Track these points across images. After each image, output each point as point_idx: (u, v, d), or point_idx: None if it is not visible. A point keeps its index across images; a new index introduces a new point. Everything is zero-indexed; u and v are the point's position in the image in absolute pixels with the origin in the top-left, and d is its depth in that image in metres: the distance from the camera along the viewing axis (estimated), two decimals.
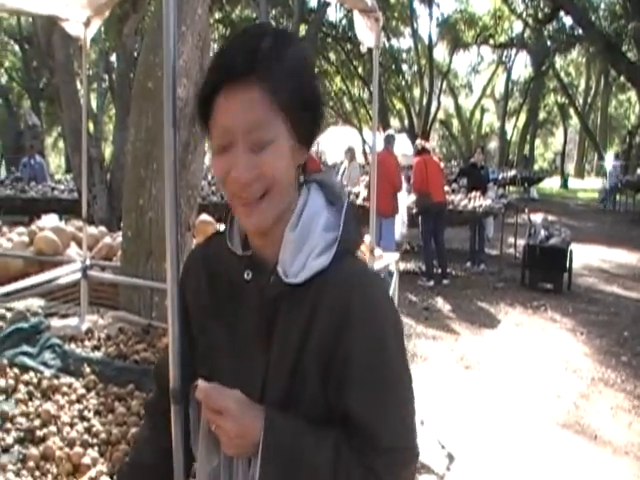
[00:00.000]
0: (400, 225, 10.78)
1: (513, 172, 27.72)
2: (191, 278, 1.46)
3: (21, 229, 6.71)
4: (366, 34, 4.15)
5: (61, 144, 39.06)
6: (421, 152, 11.20)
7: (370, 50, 4.32)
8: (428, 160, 10.99)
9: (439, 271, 11.10)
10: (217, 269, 1.40)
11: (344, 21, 32.00)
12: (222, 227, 1.43)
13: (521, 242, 12.18)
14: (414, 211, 11.39)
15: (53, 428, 2.65)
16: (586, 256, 13.80)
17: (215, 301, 1.40)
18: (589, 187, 39.17)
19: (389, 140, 10.65)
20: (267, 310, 1.30)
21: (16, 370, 3.12)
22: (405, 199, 11.18)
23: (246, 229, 1.33)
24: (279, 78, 1.20)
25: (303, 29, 28.56)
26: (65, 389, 3.00)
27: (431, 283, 10.79)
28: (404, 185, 12.92)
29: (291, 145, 1.24)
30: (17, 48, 33.14)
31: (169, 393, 1.40)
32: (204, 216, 6.35)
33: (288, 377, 1.28)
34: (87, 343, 3.67)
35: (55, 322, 3.96)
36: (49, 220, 6.75)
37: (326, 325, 1.24)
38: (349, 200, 1.36)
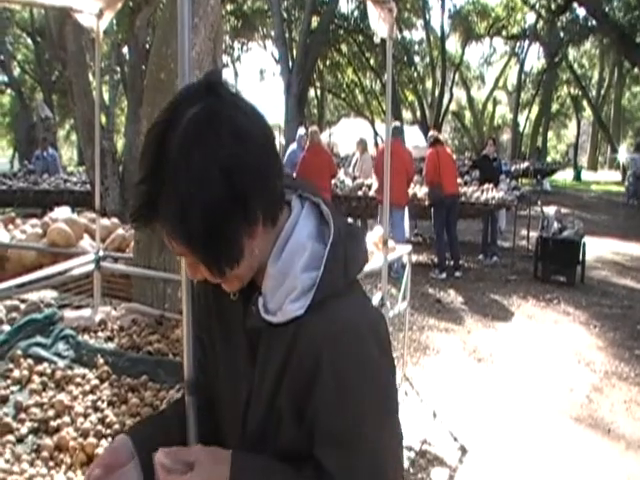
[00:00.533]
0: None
1: (526, 164, 27.62)
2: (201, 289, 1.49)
3: (34, 221, 6.74)
4: (380, 24, 4.13)
5: (74, 137, 39.24)
6: (434, 143, 11.12)
7: (383, 41, 4.31)
8: (441, 151, 10.90)
9: (451, 263, 11.06)
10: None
11: (356, 12, 31.94)
12: None
13: (534, 234, 12.13)
14: (426, 203, 11.34)
15: (67, 419, 2.66)
16: (599, 249, 13.73)
17: (218, 304, 1.41)
18: (602, 179, 39.02)
19: (397, 131, 10.58)
20: (250, 338, 1.30)
21: (30, 361, 3.14)
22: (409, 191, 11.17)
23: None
24: (177, 228, 1.15)
25: (315, 20, 28.51)
26: (79, 380, 3.01)
27: (443, 275, 10.75)
28: (415, 177, 12.92)
29: (214, 272, 1.21)
30: (29, 41, 33.26)
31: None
32: None
33: (265, 408, 1.28)
34: (100, 334, 3.68)
35: (68, 313, 3.97)
36: (62, 212, 6.76)
37: (298, 373, 1.21)
38: (336, 232, 1.25)
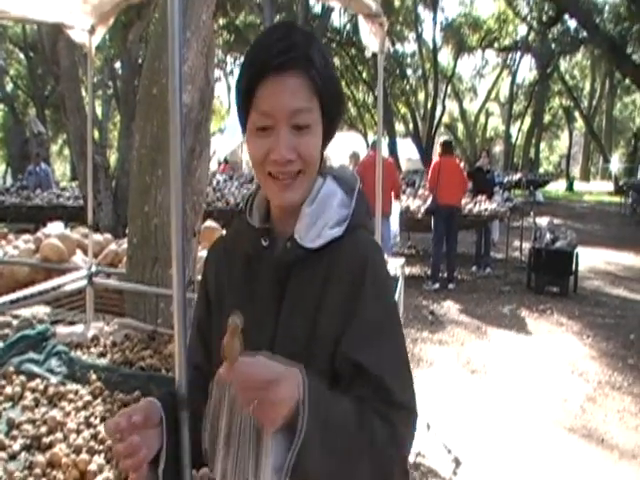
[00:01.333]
0: (394, 228, 10.81)
1: (518, 175, 27.73)
2: (211, 263, 1.63)
3: (27, 236, 6.73)
4: (371, 39, 4.15)
5: (66, 151, 39.17)
6: (443, 152, 11.13)
7: (374, 55, 4.32)
8: (444, 163, 10.89)
9: (445, 275, 11.08)
10: (236, 247, 1.54)
11: (348, 26, 32.11)
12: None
13: (527, 245, 12.17)
14: (422, 210, 11.39)
15: (59, 435, 2.65)
16: (592, 259, 13.78)
17: (232, 276, 1.52)
18: (595, 190, 39.15)
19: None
20: (280, 275, 1.42)
21: (22, 377, 3.12)
22: (397, 205, 11.18)
23: (278, 204, 1.46)
24: (317, 69, 1.35)
25: None
26: (71, 396, 3.00)
27: (436, 286, 10.77)
28: (407, 190, 12.95)
29: (322, 131, 1.40)
30: (22, 56, 33.27)
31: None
32: (209, 222, 6.37)
33: (299, 338, 1.37)
34: (93, 350, 3.67)
35: (61, 329, 3.96)
36: (55, 227, 6.76)
37: (343, 285, 1.37)
38: (360, 186, 1.50)
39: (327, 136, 1.43)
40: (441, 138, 12.41)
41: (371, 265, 1.38)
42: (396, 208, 10.78)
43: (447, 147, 11.21)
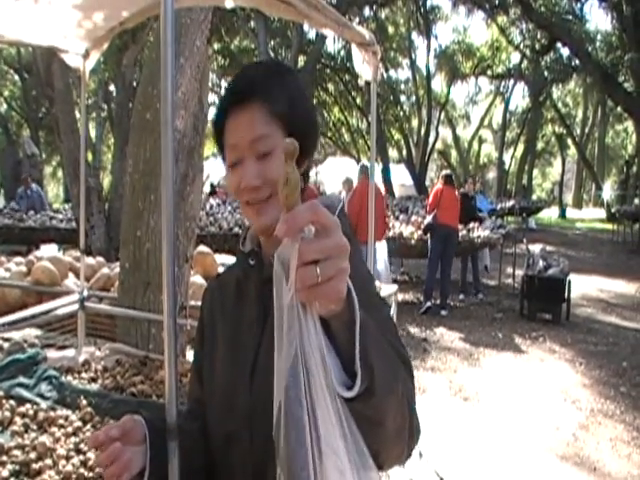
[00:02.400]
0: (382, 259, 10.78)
1: (511, 202, 27.75)
2: (206, 302, 1.65)
3: (19, 259, 6.72)
4: (364, 67, 4.17)
5: (60, 173, 39.23)
6: (446, 182, 11.25)
7: (368, 83, 4.34)
8: (447, 189, 11.08)
9: (438, 301, 11.07)
10: (230, 278, 1.57)
11: (342, 52, 32.30)
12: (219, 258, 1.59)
13: (519, 272, 12.17)
14: (421, 228, 11.44)
15: (49, 461, 2.63)
16: (584, 286, 13.80)
17: (225, 306, 1.55)
18: (587, 217, 39.30)
19: (365, 169, 10.80)
20: (263, 292, 1.41)
21: (12, 402, 3.10)
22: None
23: (257, 228, 1.48)
24: (276, 95, 1.39)
25: (302, 60, 28.79)
26: (61, 421, 2.98)
27: (428, 304, 10.77)
28: (400, 216, 12.98)
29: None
30: (17, 77, 33.36)
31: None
32: (202, 247, 6.36)
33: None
34: (84, 375, 3.65)
35: (52, 353, 3.95)
36: (48, 250, 6.76)
37: None
38: (341, 206, 1.48)
39: (303, 156, 1.38)
40: (434, 164, 12.52)
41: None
42: (382, 245, 10.66)
43: (449, 179, 11.39)
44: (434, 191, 11.37)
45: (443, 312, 10.89)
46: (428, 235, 11.30)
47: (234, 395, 1.43)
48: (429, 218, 11.33)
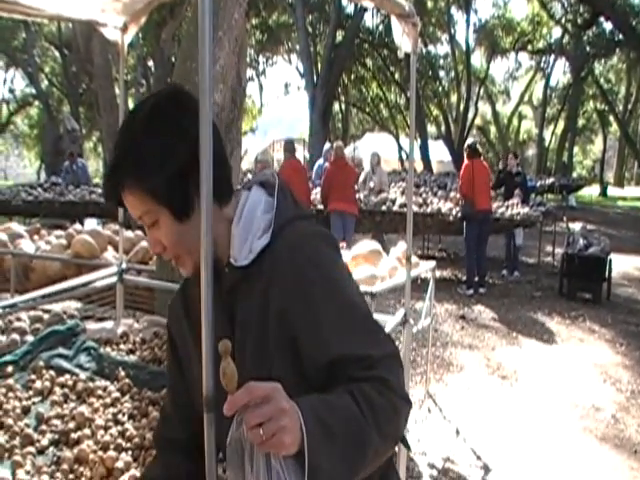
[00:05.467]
0: None
1: (551, 180, 27.39)
2: (172, 319, 1.71)
3: (59, 232, 6.79)
4: (403, 39, 4.11)
5: (100, 149, 39.53)
6: (471, 155, 10.99)
7: (407, 56, 4.28)
8: (476, 165, 10.79)
9: (476, 279, 10.97)
10: (190, 295, 1.59)
11: (381, 27, 32.01)
12: None
13: (559, 251, 12.03)
14: (459, 216, 11.27)
15: (87, 431, 2.65)
16: (625, 266, 13.60)
17: (190, 322, 1.58)
18: (629, 195, 38.69)
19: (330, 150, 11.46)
20: (227, 302, 1.46)
21: (52, 372, 3.14)
22: None
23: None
24: (137, 181, 1.42)
25: (340, 35, 28.60)
26: (100, 392, 3.01)
27: (470, 292, 10.66)
28: (439, 192, 12.87)
29: (174, 221, 1.45)
30: (57, 54, 33.66)
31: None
32: None
33: (256, 351, 1.42)
34: (122, 347, 3.68)
35: (91, 325, 3.98)
36: (88, 224, 6.83)
37: (284, 290, 1.39)
38: (280, 180, 1.55)
39: (190, 213, 1.45)
40: (474, 140, 12.22)
41: (307, 259, 1.41)
42: None
43: (475, 150, 11.10)
44: (463, 169, 11.11)
45: (481, 290, 10.80)
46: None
47: (218, 404, 1.35)
48: (461, 205, 11.18)
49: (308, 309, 1.37)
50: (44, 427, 2.69)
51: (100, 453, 2.48)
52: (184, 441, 1.69)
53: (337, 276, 1.44)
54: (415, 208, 11.32)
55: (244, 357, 1.41)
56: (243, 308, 1.45)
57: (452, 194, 13.27)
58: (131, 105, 29.82)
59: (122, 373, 3.19)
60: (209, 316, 1.42)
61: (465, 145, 11.71)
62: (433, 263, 6.45)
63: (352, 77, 36.49)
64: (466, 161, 11.04)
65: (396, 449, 1.47)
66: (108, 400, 2.95)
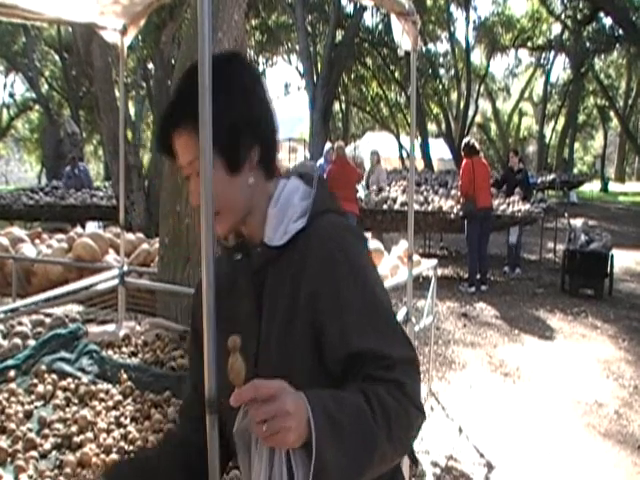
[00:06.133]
0: None
1: (552, 176, 27.34)
2: (198, 300, 1.59)
3: (60, 236, 6.79)
4: (403, 37, 4.11)
5: (100, 152, 39.60)
6: (470, 153, 10.97)
7: (407, 54, 4.28)
8: (476, 162, 10.76)
9: (478, 277, 10.96)
10: (218, 276, 1.51)
11: (380, 26, 31.99)
12: None
13: (561, 247, 12.03)
14: (460, 214, 11.25)
15: (90, 434, 2.66)
16: (627, 261, 13.59)
17: (218, 306, 1.49)
18: (630, 190, 38.66)
19: (341, 150, 11.45)
20: (256, 281, 1.47)
21: (54, 376, 3.14)
22: None
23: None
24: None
25: (340, 34, 28.60)
26: (102, 395, 3.01)
27: (472, 289, 10.65)
28: (440, 190, 12.88)
29: (224, 174, 1.45)
30: (57, 57, 33.68)
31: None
32: None
33: (281, 334, 1.41)
34: (124, 349, 3.68)
35: (93, 328, 3.99)
36: (89, 227, 6.84)
37: (314, 274, 1.39)
38: (319, 174, 1.57)
39: (241, 170, 1.47)
40: (472, 139, 12.15)
41: (338, 250, 1.42)
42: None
43: (473, 148, 11.04)
44: (463, 168, 11.06)
45: (483, 287, 10.79)
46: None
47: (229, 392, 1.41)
48: (462, 203, 11.17)
49: (335, 294, 1.38)
50: (46, 431, 2.69)
51: (103, 456, 2.49)
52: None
53: (365, 269, 1.45)
54: (416, 206, 11.33)
55: (270, 339, 1.42)
56: (272, 289, 1.45)
57: (453, 192, 13.27)
58: (131, 108, 29.85)
59: (124, 376, 3.20)
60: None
61: (462, 144, 11.64)
62: (435, 261, 6.45)
63: (352, 76, 36.44)
64: (465, 160, 11.02)
65: None
66: (110, 403, 2.95)
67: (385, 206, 12.17)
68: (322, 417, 1.19)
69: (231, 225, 1.50)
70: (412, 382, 1.36)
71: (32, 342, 3.57)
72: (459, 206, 11.49)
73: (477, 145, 11.29)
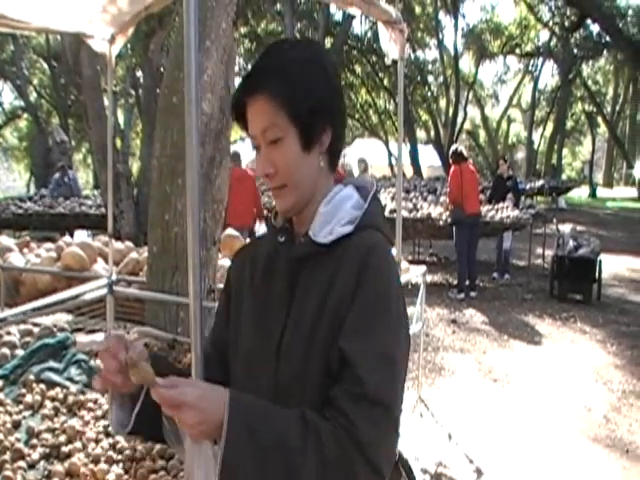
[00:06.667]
0: None
1: (541, 182, 27.47)
2: (237, 265, 1.69)
3: (49, 245, 6.77)
4: (391, 46, 4.14)
5: (89, 160, 39.49)
6: (457, 160, 10.99)
7: (395, 62, 4.31)
8: (464, 169, 10.77)
9: (467, 283, 10.98)
10: (259, 251, 1.63)
11: (369, 33, 32.07)
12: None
13: (549, 253, 12.07)
14: (448, 222, 11.28)
15: (78, 444, 2.65)
16: (615, 266, 13.65)
17: (253, 277, 1.59)
18: (618, 196, 38.83)
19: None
20: (292, 270, 1.49)
21: (42, 386, 3.14)
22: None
23: (278, 210, 1.55)
24: (281, 85, 1.43)
25: (329, 42, 28.65)
26: (91, 405, 3.01)
27: (461, 296, 10.67)
28: (429, 197, 12.85)
29: (298, 148, 1.46)
30: (46, 66, 33.58)
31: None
32: (230, 230, 6.37)
33: (307, 329, 1.41)
34: None
35: (81, 337, 3.98)
36: (81, 236, 6.83)
37: (346, 280, 1.40)
38: (375, 190, 1.59)
39: (316, 147, 1.49)
40: (460, 145, 12.15)
41: (374, 264, 1.42)
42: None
43: (461, 155, 11.04)
44: (452, 174, 11.04)
45: (472, 294, 10.82)
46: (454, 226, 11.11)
47: (258, 373, 1.46)
48: (450, 210, 11.19)
49: (355, 310, 1.37)
50: (35, 441, 2.69)
51: (91, 466, 2.48)
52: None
53: (392, 303, 1.41)
54: (405, 213, 11.35)
55: (298, 329, 1.43)
56: (308, 283, 1.46)
57: (442, 199, 13.31)
58: (120, 116, 29.75)
59: None
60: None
61: (450, 151, 11.65)
62: (424, 268, 6.46)
63: (341, 83, 36.44)
64: (453, 166, 11.03)
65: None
66: (99, 413, 2.95)
67: None
68: (239, 423, 1.22)
69: (293, 203, 1.49)
70: (371, 430, 1.26)
71: (20, 352, 3.57)
72: (448, 213, 11.52)
73: (465, 151, 11.32)
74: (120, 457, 2.59)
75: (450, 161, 11.33)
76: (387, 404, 1.30)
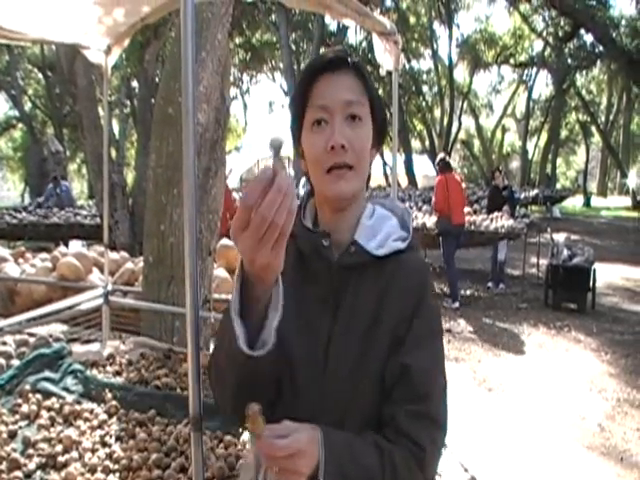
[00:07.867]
0: None
1: (535, 191, 27.53)
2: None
3: (44, 255, 6.78)
4: (385, 57, 4.16)
5: (84, 170, 39.49)
6: (443, 169, 11.01)
7: (390, 73, 4.32)
8: (450, 179, 10.80)
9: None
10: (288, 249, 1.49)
11: (364, 44, 32.17)
12: None
13: (544, 262, 12.09)
14: (435, 232, 11.30)
15: (75, 454, 2.66)
16: (610, 275, 13.68)
17: (284, 276, 1.42)
18: (612, 205, 38.92)
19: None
20: (335, 279, 1.46)
21: (39, 396, 3.14)
22: None
23: (334, 195, 1.46)
24: (365, 75, 1.48)
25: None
26: (87, 415, 3.01)
27: (456, 305, 10.68)
28: (424, 207, 12.86)
29: (370, 134, 1.48)
30: (40, 76, 33.61)
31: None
32: (226, 240, 6.38)
33: (360, 334, 1.41)
34: (109, 368, 3.68)
35: (77, 348, 3.98)
36: (75, 246, 6.84)
37: (405, 297, 1.44)
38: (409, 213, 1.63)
39: (375, 141, 1.51)
40: (457, 154, 12.24)
41: (429, 283, 1.50)
42: None
43: (447, 165, 11.08)
44: (437, 185, 11.04)
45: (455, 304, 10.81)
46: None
47: (305, 381, 1.41)
48: (435, 218, 11.21)
49: (415, 331, 1.41)
50: (31, 451, 2.69)
51: (88, 476, 2.49)
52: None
53: (439, 325, 1.51)
54: None
55: (343, 348, 1.42)
56: (358, 291, 1.46)
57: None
58: (115, 126, 29.76)
59: (109, 395, 3.20)
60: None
61: (437, 159, 11.68)
62: None
63: None
64: (439, 176, 11.07)
65: None
66: (95, 422, 2.95)
67: None
68: (332, 462, 1.22)
69: (355, 190, 1.47)
70: (433, 450, 1.34)
71: (16, 362, 3.57)
72: (434, 223, 11.56)
73: (451, 162, 11.37)
74: (116, 467, 2.59)
75: (437, 169, 11.37)
76: (443, 423, 1.39)
